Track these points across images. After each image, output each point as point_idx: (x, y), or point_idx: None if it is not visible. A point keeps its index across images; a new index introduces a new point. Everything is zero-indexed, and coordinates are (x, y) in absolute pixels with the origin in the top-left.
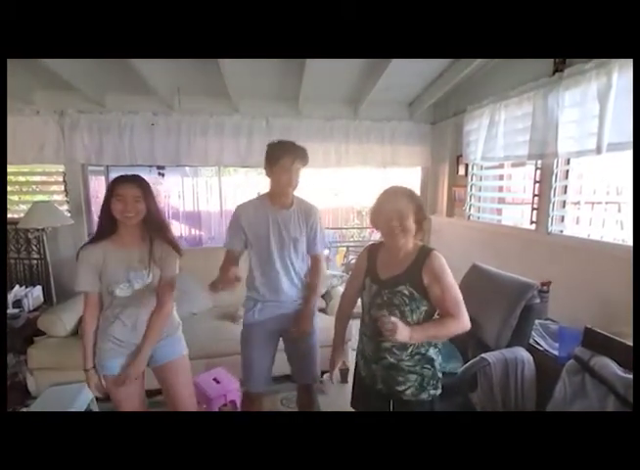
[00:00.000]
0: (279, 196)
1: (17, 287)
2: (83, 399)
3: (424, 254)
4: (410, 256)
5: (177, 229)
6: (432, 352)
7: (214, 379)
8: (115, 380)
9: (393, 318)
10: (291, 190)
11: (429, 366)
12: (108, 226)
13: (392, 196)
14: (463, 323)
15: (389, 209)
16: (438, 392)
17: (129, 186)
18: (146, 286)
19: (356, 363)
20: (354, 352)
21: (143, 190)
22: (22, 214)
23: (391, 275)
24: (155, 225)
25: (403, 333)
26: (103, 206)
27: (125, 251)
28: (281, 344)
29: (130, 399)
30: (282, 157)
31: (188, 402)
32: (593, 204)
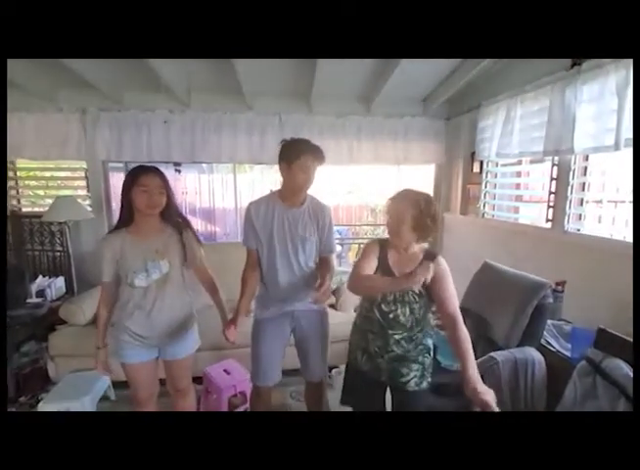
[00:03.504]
0: (292, 194)
1: (40, 277)
2: (101, 385)
3: (429, 258)
4: (417, 257)
5: (193, 224)
6: (429, 342)
7: (225, 370)
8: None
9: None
10: (306, 189)
11: (428, 355)
12: (126, 216)
13: (396, 200)
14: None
15: (390, 212)
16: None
17: (153, 177)
18: (163, 277)
19: (353, 359)
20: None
21: (164, 181)
22: (46, 208)
23: (404, 273)
24: (174, 216)
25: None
26: (123, 196)
27: (142, 241)
28: (291, 339)
29: (146, 385)
30: (302, 155)
31: (186, 386)
32: (616, 203)
